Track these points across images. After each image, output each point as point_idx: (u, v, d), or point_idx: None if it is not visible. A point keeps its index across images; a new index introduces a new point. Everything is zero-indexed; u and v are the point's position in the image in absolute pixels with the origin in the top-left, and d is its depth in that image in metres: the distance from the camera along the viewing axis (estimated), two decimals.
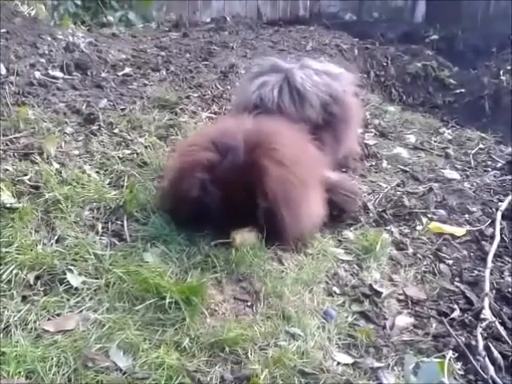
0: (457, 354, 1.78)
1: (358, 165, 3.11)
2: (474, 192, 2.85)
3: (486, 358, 1.74)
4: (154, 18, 6.17)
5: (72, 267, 1.98)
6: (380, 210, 2.62)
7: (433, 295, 2.10)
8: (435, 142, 3.63)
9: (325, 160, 2.52)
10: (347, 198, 2.50)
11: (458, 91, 4.96)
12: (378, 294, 2.07)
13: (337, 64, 3.58)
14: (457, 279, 2.20)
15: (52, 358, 1.62)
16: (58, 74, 3.64)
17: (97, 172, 2.60)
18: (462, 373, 1.73)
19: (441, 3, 6.60)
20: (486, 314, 1.93)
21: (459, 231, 2.46)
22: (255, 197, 2.12)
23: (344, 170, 2.99)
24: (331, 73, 2.88)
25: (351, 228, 2.48)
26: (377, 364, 1.75)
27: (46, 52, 3.84)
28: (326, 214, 2.37)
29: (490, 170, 3.22)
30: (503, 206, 2.64)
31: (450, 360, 1.72)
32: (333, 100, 2.74)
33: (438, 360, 1.69)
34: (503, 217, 2.56)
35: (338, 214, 2.47)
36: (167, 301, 1.83)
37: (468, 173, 3.15)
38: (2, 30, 3.90)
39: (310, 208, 2.27)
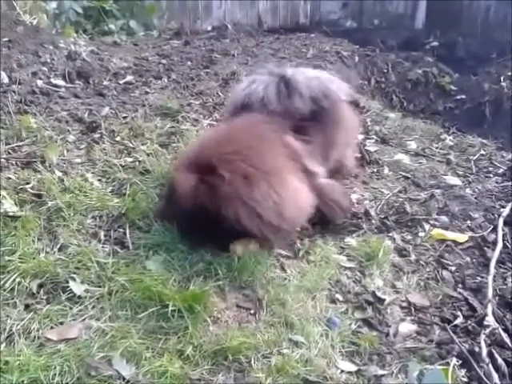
0: (460, 361, 1.78)
1: (359, 171, 3.11)
2: (475, 198, 2.85)
3: (490, 365, 1.74)
4: (155, 27, 6.20)
5: (75, 275, 1.99)
6: (382, 216, 2.62)
7: (436, 302, 2.10)
8: (436, 148, 3.64)
9: (307, 152, 2.47)
10: (333, 209, 2.47)
11: (458, 97, 4.97)
12: (381, 301, 2.07)
13: (337, 71, 3.61)
14: (460, 286, 2.20)
15: (55, 367, 1.62)
16: (60, 82, 3.65)
17: (99, 180, 2.61)
18: (465, 380, 1.73)
19: (441, 10, 6.63)
20: (490, 320, 1.93)
21: (461, 237, 2.46)
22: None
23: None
24: (324, 76, 2.88)
25: (353, 235, 2.48)
26: (380, 371, 1.75)
27: (48, 60, 3.86)
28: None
29: (491, 176, 3.22)
30: (505, 212, 2.64)
31: (453, 367, 1.72)
32: (324, 96, 2.68)
33: (442, 367, 1.69)
34: (505, 223, 2.56)
35: (319, 222, 2.45)
36: (170, 309, 1.83)
37: (470, 179, 3.15)
38: (4, 39, 3.93)
39: (286, 195, 2.21)
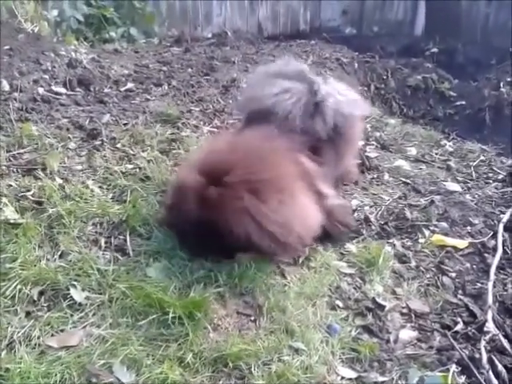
0: (460, 368, 1.77)
1: (359, 178, 3.12)
2: (475, 204, 2.85)
3: (490, 372, 1.73)
4: (155, 34, 6.23)
5: (75, 282, 1.99)
6: (382, 222, 2.62)
7: (436, 308, 2.10)
8: (436, 154, 3.65)
9: (320, 173, 2.45)
10: (339, 231, 2.44)
11: (458, 103, 4.99)
12: (381, 307, 2.07)
13: (337, 77, 3.62)
14: (460, 292, 2.20)
15: (56, 374, 1.62)
16: (61, 89, 3.67)
17: (100, 187, 2.62)
18: None
19: (440, 16, 6.66)
20: (490, 326, 1.93)
21: (461, 244, 2.46)
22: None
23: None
24: (351, 96, 2.81)
25: (354, 241, 2.48)
26: (381, 378, 1.75)
27: (49, 68, 3.88)
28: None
29: (491, 181, 3.22)
30: (505, 217, 2.64)
31: (453, 374, 1.72)
32: (345, 121, 2.65)
33: (442, 374, 1.69)
34: (505, 229, 2.55)
35: (323, 238, 2.41)
36: (170, 316, 1.83)
37: (469, 185, 3.15)
38: (6, 47, 3.95)
39: (295, 212, 2.18)
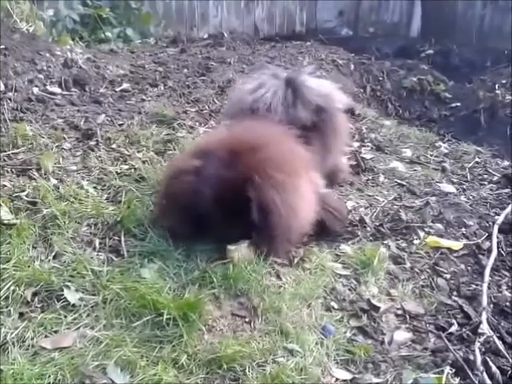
0: (455, 369, 1.77)
1: (354, 179, 3.12)
2: (470, 206, 2.86)
3: (484, 373, 1.73)
4: (151, 34, 6.23)
5: (69, 283, 1.98)
6: (377, 224, 2.62)
7: (431, 310, 2.10)
8: (431, 155, 3.65)
9: (313, 162, 2.47)
10: (333, 218, 2.45)
11: (453, 105, 5.01)
12: (376, 308, 2.07)
13: (333, 79, 3.62)
14: (454, 293, 2.20)
15: (49, 376, 1.62)
16: (57, 89, 3.66)
17: (94, 187, 2.61)
18: None
19: (436, 19, 6.69)
20: (484, 328, 1.93)
21: (456, 245, 2.46)
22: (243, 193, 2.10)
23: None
24: (326, 86, 2.89)
25: (349, 242, 2.47)
26: (375, 380, 1.75)
27: (45, 68, 3.87)
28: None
29: (486, 183, 3.23)
30: (500, 219, 2.64)
31: (448, 375, 1.72)
32: (326, 107, 2.71)
33: (436, 375, 1.69)
34: (500, 230, 2.56)
35: (319, 231, 2.41)
36: (165, 317, 1.83)
37: (464, 186, 3.16)
38: (1, 47, 3.93)
39: (299, 198, 2.23)
